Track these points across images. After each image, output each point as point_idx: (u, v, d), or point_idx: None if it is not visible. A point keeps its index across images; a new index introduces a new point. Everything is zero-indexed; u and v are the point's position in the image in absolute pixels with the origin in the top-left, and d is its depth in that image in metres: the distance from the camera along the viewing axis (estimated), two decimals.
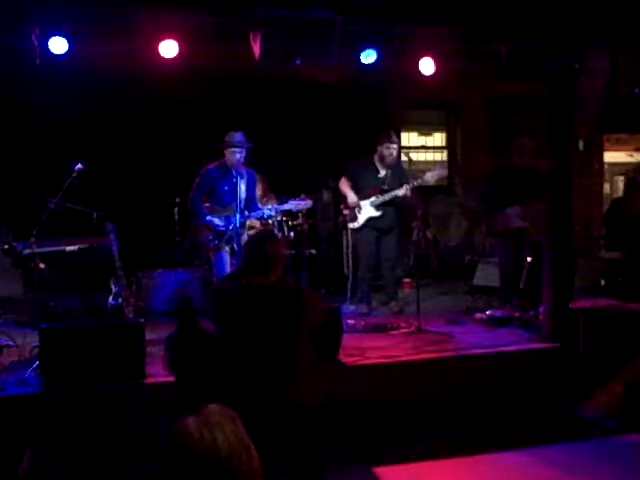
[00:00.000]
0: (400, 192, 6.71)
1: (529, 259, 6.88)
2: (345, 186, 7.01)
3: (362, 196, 6.90)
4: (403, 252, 8.33)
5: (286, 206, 6.42)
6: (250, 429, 1.56)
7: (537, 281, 6.19)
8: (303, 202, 6.51)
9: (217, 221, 6.11)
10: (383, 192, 6.80)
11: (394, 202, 6.84)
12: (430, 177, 6.69)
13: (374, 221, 6.88)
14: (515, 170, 6.76)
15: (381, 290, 7.37)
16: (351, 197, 6.91)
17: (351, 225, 7.02)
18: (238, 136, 6.12)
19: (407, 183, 6.73)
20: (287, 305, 3.32)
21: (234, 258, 6.02)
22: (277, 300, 3.32)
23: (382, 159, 6.88)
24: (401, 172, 7.03)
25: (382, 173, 6.93)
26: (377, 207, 6.84)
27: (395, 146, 6.90)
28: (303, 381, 3.24)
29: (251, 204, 6.26)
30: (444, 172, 6.80)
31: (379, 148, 6.88)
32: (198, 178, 6.21)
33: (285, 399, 3.16)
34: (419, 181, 6.72)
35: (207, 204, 6.27)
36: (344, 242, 7.87)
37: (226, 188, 6.13)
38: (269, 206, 6.48)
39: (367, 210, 6.86)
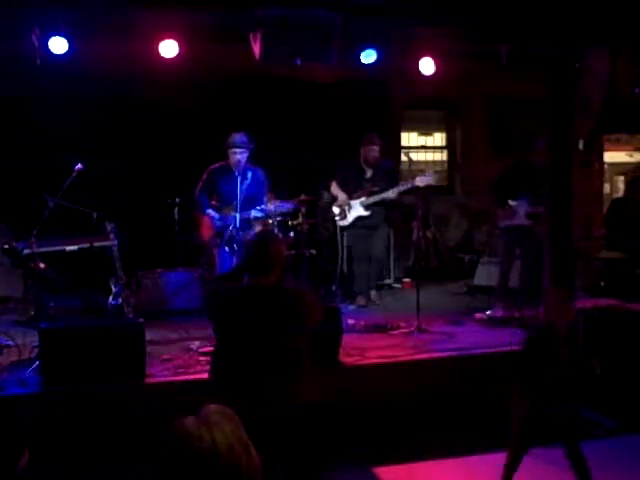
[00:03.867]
0: (389, 195, 7.02)
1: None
2: (335, 188, 7.37)
3: (350, 195, 7.21)
4: (403, 252, 8.35)
5: (272, 208, 6.39)
6: (249, 429, 1.56)
7: (537, 281, 6.19)
8: (288, 205, 6.61)
9: (216, 217, 6.17)
10: (373, 193, 7.09)
11: (383, 203, 7.15)
12: (419, 182, 6.78)
13: (362, 220, 7.19)
14: (532, 169, 6.81)
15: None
16: (341, 196, 7.27)
17: (341, 223, 7.35)
18: (238, 137, 6.15)
19: (396, 185, 7.02)
20: (287, 306, 3.31)
21: (234, 257, 6.03)
22: (277, 301, 3.32)
23: (365, 160, 7.20)
24: (390, 173, 7.28)
25: (368, 174, 7.23)
26: (366, 207, 7.15)
27: (376, 148, 7.16)
28: (302, 381, 3.23)
29: (256, 202, 6.27)
30: (432, 180, 6.88)
31: (362, 150, 7.18)
32: (203, 176, 6.38)
33: (284, 399, 3.15)
34: (408, 185, 6.87)
35: (213, 202, 6.37)
36: (339, 242, 7.93)
37: (227, 188, 6.18)
38: (257, 208, 6.45)
39: (356, 209, 7.19)
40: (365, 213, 7.16)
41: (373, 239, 7.25)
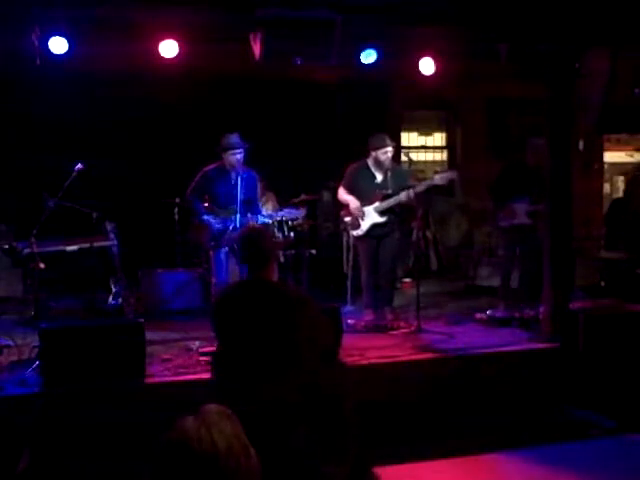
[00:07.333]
0: (404, 197, 6.41)
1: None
2: (345, 194, 6.67)
3: (362, 202, 6.57)
4: (403, 252, 8.33)
5: (280, 213, 6.35)
6: (247, 429, 1.56)
7: (537, 281, 6.20)
8: (296, 211, 6.45)
9: (214, 222, 6.11)
10: (386, 197, 6.49)
11: (397, 208, 6.56)
12: (439, 180, 6.50)
13: (377, 229, 6.57)
14: (526, 169, 6.79)
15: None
16: (354, 203, 6.53)
17: (354, 233, 6.69)
18: (234, 138, 6.11)
19: (409, 187, 6.44)
20: (287, 305, 3.30)
21: (233, 258, 6.02)
22: (277, 299, 3.31)
23: (378, 164, 6.55)
24: (400, 175, 6.72)
25: (379, 178, 6.59)
26: (381, 213, 6.53)
27: (391, 149, 6.54)
28: (299, 382, 3.20)
29: (252, 205, 6.24)
30: (452, 175, 6.73)
31: (374, 153, 6.52)
32: (196, 178, 6.25)
33: (279, 400, 3.13)
34: (427, 184, 6.51)
35: (206, 204, 6.29)
36: (344, 242, 7.86)
37: (223, 190, 6.12)
38: (264, 213, 6.42)
39: (371, 216, 6.54)
40: (381, 220, 6.48)
41: (382, 247, 6.60)
